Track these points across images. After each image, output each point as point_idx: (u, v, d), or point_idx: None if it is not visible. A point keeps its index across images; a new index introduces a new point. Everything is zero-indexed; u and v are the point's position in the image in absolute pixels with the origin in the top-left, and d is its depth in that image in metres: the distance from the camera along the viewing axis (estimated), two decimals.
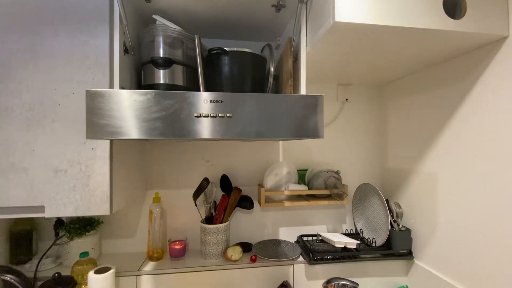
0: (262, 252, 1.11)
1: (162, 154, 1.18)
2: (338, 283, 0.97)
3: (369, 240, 1.13)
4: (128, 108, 0.64)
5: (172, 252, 1.08)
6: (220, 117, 0.68)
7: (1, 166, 0.72)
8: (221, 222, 1.10)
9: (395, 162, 1.24)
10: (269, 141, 1.26)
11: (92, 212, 0.75)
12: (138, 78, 0.92)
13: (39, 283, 0.89)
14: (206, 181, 1.09)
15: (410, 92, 1.15)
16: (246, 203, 1.16)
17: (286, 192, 1.14)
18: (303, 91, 0.85)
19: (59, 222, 1.04)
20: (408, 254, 1.09)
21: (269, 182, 1.17)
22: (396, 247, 1.08)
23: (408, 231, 1.10)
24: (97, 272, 0.87)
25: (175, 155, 1.19)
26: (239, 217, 1.24)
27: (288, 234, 1.26)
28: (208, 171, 1.21)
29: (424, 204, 1.06)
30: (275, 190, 1.16)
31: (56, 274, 0.83)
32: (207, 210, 1.14)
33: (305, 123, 0.70)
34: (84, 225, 1.02)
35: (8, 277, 0.84)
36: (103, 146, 0.76)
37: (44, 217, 1.05)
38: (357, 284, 0.95)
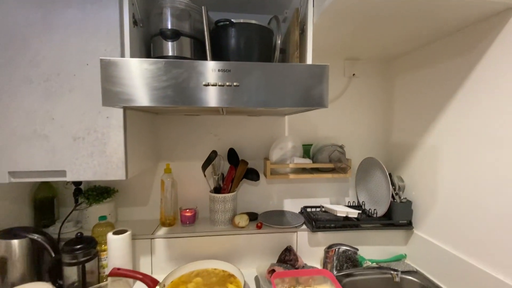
0: (267, 220, 1.17)
1: (172, 128, 1.23)
2: (339, 248, 1.03)
3: (370, 211, 1.18)
4: (140, 76, 0.67)
5: (183, 219, 1.15)
6: (227, 86, 0.70)
7: (25, 133, 0.78)
8: (229, 192, 1.16)
9: (399, 137, 1.25)
10: (275, 116, 1.28)
11: (109, 177, 0.81)
12: (147, 52, 0.94)
13: (62, 243, 0.98)
14: (214, 153, 1.14)
15: (417, 66, 1.14)
16: (252, 175, 1.21)
17: (291, 165, 1.18)
18: (309, 62, 0.86)
19: (78, 190, 1.12)
20: (407, 225, 1.14)
21: (275, 155, 1.20)
22: (397, 217, 1.13)
23: (409, 203, 1.14)
24: (115, 233, 0.95)
25: (184, 129, 1.24)
26: (246, 189, 1.29)
27: (292, 206, 1.32)
28: (215, 144, 1.26)
29: (426, 177, 1.08)
30: (281, 163, 1.20)
31: (79, 234, 0.91)
32: (215, 181, 1.20)
33: (310, 92, 0.72)
34: (101, 192, 1.09)
35: (35, 236, 0.92)
36: (118, 115, 0.80)
37: (65, 184, 1.13)
38: (357, 249, 1.01)
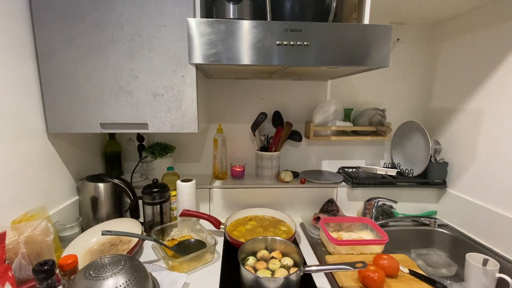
0: (309, 177, 1.28)
1: (222, 92, 1.31)
2: (378, 201, 1.14)
3: (406, 170, 1.26)
4: (221, 36, 0.74)
5: (233, 173, 1.28)
6: (298, 45, 0.76)
7: (113, 89, 0.88)
8: (274, 151, 1.27)
9: (439, 102, 1.29)
10: (318, 80, 1.34)
11: (184, 130, 0.92)
12: (208, 15, 0.99)
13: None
14: (264, 115, 1.22)
15: (464, 30, 1.14)
16: (296, 136, 1.30)
17: (333, 128, 1.26)
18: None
19: (141, 146, 1.26)
20: (442, 184, 1.22)
21: (318, 118, 1.28)
22: (432, 177, 1.21)
23: (445, 164, 1.21)
24: (183, 181, 1.09)
25: (232, 92, 1.32)
26: (287, 150, 1.40)
27: (329, 166, 1.42)
28: (261, 108, 1.34)
29: (465, 139, 1.14)
30: (323, 126, 1.28)
31: (155, 180, 1.05)
32: (261, 141, 1.30)
33: (374, 52, 0.77)
34: (164, 148, 1.23)
35: (116, 181, 1.07)
36: (191, 74, 0.89)
37: (127, 141, 1.26)
38: (396, 201, 1.11)
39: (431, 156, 1.19)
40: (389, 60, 0.78)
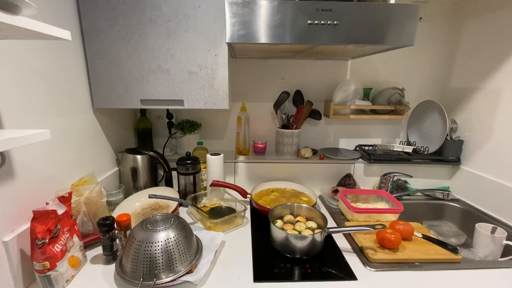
0: (328, 153, 1.36)
1: (245, 71, 1.37)
2: (394, 176, 1.21)
3: (422, 148, 1.32)
4: (258, 15, 0.79)
5: (256, 149, 1.37)
6: (328, 24, 0.81)
7: (152, 67, 0.96)
8: (295, 129, 1.33)
9: (458, 82, 1.31)
10: (339, 60, 1.37)
11: (216, 106, 1.00)
12: None
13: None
14: (286, 93, 1.28)
15: (488, 9, 1.14)
16: (315, 114, 1.36)
17: (353, 107, 1.31)
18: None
19: (170, 123, 1.35)
20: (456, 161, 1.28)
21: (338, 97, 1.33)
22: (447, 154, 1.26)
23: (460, 142, 1.26)
24: (211, 154, 1.18)
25: (255, 72, 1.37)
26: (306, 128, 1.46)
27: (347, 144, 1.49)
28: (282, 87, 1.39)
29: (482, 118, 1.18)
30: (343, 104, 1.33)
31: (188, 153, 1.15)
32: (281, 119, 1.37)
33: (401, 31, 0.81)
34: (192, 125, 1.31)
35: (152, 153, 1.17)
36: (223, 53, 0.95)
37: (157, 118, 1.34)
38: (411, 176, 1.18)
39: (447, 135, 1.24)
40: (414, 39, 0.82)
